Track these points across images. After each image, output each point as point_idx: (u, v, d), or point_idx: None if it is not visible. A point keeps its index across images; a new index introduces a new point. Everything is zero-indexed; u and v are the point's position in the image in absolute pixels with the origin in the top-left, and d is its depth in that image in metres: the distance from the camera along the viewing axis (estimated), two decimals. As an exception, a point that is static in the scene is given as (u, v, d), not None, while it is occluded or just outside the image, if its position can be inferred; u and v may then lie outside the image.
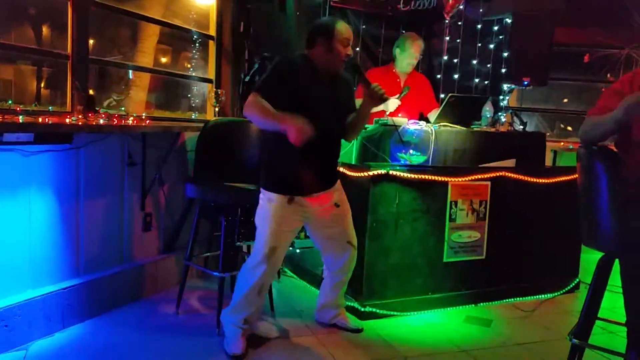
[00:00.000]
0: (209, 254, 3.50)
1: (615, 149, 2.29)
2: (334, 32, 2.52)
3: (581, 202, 2.25)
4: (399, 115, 3.83)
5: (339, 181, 2.75)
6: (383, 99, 2.57)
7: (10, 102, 2.57)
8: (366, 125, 3.58)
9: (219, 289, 2.84)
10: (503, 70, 4.78)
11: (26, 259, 2.58)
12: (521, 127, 4.03)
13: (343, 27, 2.56)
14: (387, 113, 3.84)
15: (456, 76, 4.89)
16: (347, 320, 2.96)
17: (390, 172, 3.02)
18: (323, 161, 2.63)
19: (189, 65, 4.50)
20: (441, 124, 3.55)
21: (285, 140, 2.37)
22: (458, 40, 4.87)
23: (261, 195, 2.59)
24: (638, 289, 2.03)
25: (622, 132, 2.23)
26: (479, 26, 4.90)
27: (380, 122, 3.45)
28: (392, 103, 3.88)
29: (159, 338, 2.72)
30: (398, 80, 4.09)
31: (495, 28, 4.91)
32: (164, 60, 4.62)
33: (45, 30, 4.08)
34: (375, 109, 3.90)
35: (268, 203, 2.55)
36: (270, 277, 2.64)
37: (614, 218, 2.09)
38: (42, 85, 4.36)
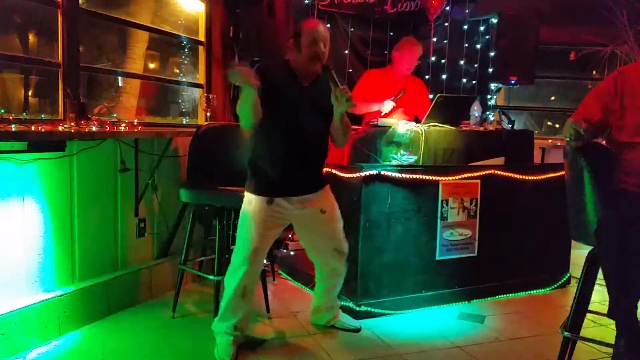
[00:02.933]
0: (203, 258, 3.52)
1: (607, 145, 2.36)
2: (301, 31, 2.49)
3: (568, 197, 2.31)
4: (394, 116, 3.87)
5: (327, 187, 2.70)
6: (349, 104, 2.43)
7: (2, 110, 2.58)
8: (357, 127, 3.63)
9: (214, 292, 2.86)
10: (490, 70, 4.85)
11: (21, 267, 2.59)
12: (509, 125, 4.09)
13: (312, 25, 2.51)
14: (383, 114, 3.89)
15: (444, 77, 4.95)
16: (344, 320, 2.99)
17: (382, 172, 3.06)
18: (303, 164, 2.58)
19: (178, 71, 4.52)
20: (430, 123, 3.60)
21: (266, 142, 2.43)
22: (445, 41, 4.93)
23: (244, 198, 2.60)
24: (610, 275, 2.09)
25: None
26: (465, 27, 4.96)
27: (371, 123, 3.49)
28: (387, 105, 3.93)
29: (156, 342, 2.73)
30: (395, 82, 4.13)
31: (482, 28, 4.97)
32: (152, 66, 4.63)
33: (31, 38, 4.07)
34: (370, 110, 3.97)
35: (248, 205, 2.56)
36: (252, 278, 2.59)
37: (599, 212, 2.15)
38: (30, 93, 4.35)
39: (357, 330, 2.95)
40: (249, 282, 2.58)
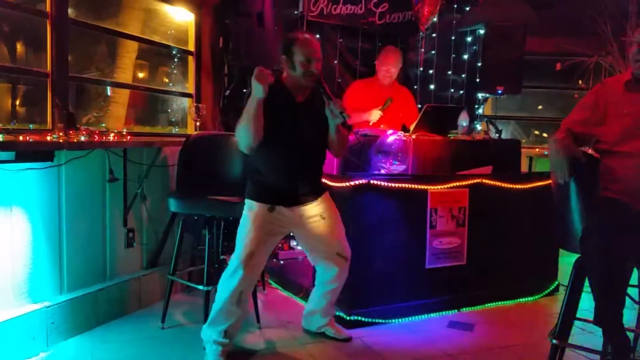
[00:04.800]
0: (192, 268, 3.51)
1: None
2: (293, 48, 2.51)
3: (555, 205, 2.34)
4: (381, 126, 3.90)
5: (326, 193, 2.76)
6: (343, 116, 2.48)
7: (-10, 121, 2.56)
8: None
9: (204, 302, 2.84)
10: (477, 80, 4.90)
11: (9, 278, 2.56)
12: (497, 135, 4.13)
13: (305, 41, 2.53)
14: (370, 124, 3.92)
15: (432, 87, 5.00)
16: (336, 329, 2.99)
17: (371, 181, 3.08)
18: (302, 176, 2.65)
19: (167, 80, 4.52)
20: (419, 133, 3.63)
21: (266, 157, 2.50)
22: (433, 52, 4.98)
23: (245, 205, 2.63)
24: (596, 282, 2.11)
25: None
26: (453, 38, 5.02)
27: (360, 133, 3.51)
28: (375, 114, 3.96)
29: (145, 353, 2.71)
30: (381, 92, 4.16)
31: (469, 39, 5.04)
32: (141, 75, 4.62)
33: (19, 47, 4.05)
34: (358, 121, 3.99)
35: (249, 211, 2.59)
36: (248, 285, 2.62)
37: (584, 220, 2.18)
38: (18, 103, 4.32)
39: (348, 339, 2.94)
40: (246, 288, 2.60)
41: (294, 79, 2.57)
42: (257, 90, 2.36)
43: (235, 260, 2.56)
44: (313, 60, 2.52)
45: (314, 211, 2.68)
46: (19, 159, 2.47)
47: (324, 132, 2.64)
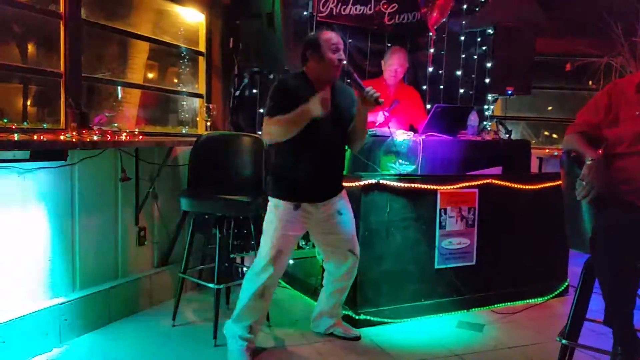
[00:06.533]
0: (203, 266, 3.53)
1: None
2: (320, 41, 2.59)
3: (565, 206, 2.34)
4: (389, 125, 3.90)
5: (344, 190, 2.81)
6: (378, 102, 2.57)
7: (5, 120, 2.60)
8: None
9: (215, 300, 2.87)
10: (487, 80, 4.89)
11: (23, 275, 2.60)
12: (506, 135, 4.12)
13: (329, 35, 2.62)
14: (377, 124, 3.92)
15: (441, 87, 4.99)
16: (344, 328, 3.00)
17: (381, 181, 3.09)
18: (327, 170, 2.70)
19: (178, 81, 4.55)
20: (428, 133, 3.63)
21: (291, 152, 2.56)
22: (442, 52, 4.97)
23: (269, 203, 2.68)
24: (605, 283, 2.11)
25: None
26: (462, 38, 5.01)
27: (369, 133, 3.52)
28: (380, 115, 3.96)
29: (156, 350, 2.74)
30: (388, 92, 4.17)
31: (479, 39, 5.02)
32: (151, 76, 4.66)
33: (31, 48, 4.09)
34: (376, 119, 4.00)
35: (275, 209, 2.63)
36: (275, 281, 2.69)
37: (594, 221, 2.18)
38: (29, 103, 4.37)
39: (357, 338, 2.96)
40: (272, 284, 2.67)
41: (319, 71, 2.62)
42: (316, 110, 2.40)
43: (263, 258, 2.61)
44: (340, 49, 2.62)
45: (335, 207, 2.73)
46: (33, 158, 2.51)
47: (345, 127, 2.71)
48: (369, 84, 4.24)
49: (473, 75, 5.05)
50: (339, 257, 2.83)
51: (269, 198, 2.68)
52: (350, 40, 4.71)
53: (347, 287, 2.92)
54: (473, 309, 3.47)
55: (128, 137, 2.96)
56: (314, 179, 2.63)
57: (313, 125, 2.49)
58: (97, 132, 2.82)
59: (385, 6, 4.68)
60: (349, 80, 2.62)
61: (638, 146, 2.25)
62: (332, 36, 2.62)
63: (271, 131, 2.54)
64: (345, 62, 2.66)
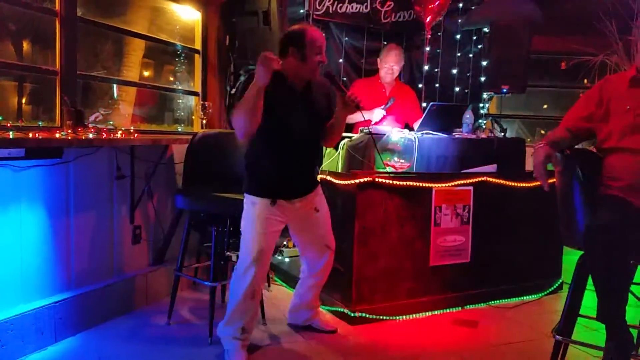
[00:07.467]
0: (198, 264, 3.54)
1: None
2: (305, 41, 2.52)
3: (559, 203, 2.35)
4: (384, 123, 3.92)
5: (319, 186, 2.82)
6: (358, 107, 2.57)
7: (0, 118, 2.59)
8: (351, 135, 3.67)
9: (210, 298, 2.87)
10: (482, 79, 4.90)
11: (18, 273, 2.60)
12: (501, 133, 4.14)
13: (315, 35, 2.56)
14: (373, 123, 3.93)
15: (437, 85, 5.00)
16: (322, 322, 3.04)
17: (376, 179, 3.10)
18: (301, 167, 2.70)
19: (173, 79, 4.55)
20: (424, 131, 3.64)
21: (265, 147, 2.52)
22: (438, 50, 4.98)
23: (245, 200, 2.65)
24: (598, 279, 2.13)
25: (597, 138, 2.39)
26: (458, 36, 5.02)
27: (365, 131, 3.53)
28: (378, 113, 3.98)
29: (151, 349, 2.74)
30: (383, 90, 4.19)
31: (474, 38, 5.03)
32: (146, 73, 4.65)
33: (26, 45, 4.08)
34: (360, 119, 4.00)
35: (252, 206, 2.61)
36: (261, 280, 2.66)
37: (587, 218, 2.20)
38: (24, 101, 4.35)
39: (334, 331, 3.00)
40: (259, 283, 2.65)
41: (297, 70, 2.57)
42: (262, 75, 2.34)
43: (246, 258, 2.58)
44: (323, 52, 2.59)
45: (309, 203, 2.74)
46: (29, 155, 2.50)
47: (321, 123, 2.70)
48: (364, 82, 4.31)
49: (468, 74, 5.06)
50: (316, 251, 2.85)
51: (245, 195, 2.65)
52: (346, 39, 4.72)
53: (324, 280, 2.95)
54: (468, 306, 3.48)
55: (123, 135, 2.95)
56: (287, 175, 2.62)
57: (286, 121, 2.49)
58: (92, 130, 2.82)
59: (380, 4, 4.69)
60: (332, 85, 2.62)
61: (626, 141, 2.27)
62: (317, 37, 2.57)
63: (236, 121, 2.45)
64: (325, 63, 2.63)
